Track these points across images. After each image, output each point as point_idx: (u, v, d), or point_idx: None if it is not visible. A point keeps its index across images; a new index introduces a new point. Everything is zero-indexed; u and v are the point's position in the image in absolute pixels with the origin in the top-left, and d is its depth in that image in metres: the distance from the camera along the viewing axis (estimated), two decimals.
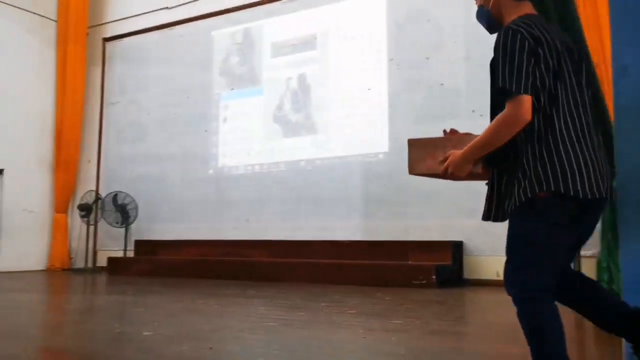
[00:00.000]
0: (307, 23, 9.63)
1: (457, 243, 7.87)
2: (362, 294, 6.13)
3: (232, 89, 10.39)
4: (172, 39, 11.14)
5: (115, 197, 10.60)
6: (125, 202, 10.55)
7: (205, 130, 10.58)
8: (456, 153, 2.02)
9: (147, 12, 11.34)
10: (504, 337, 3.13)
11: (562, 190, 1.83)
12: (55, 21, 11.90)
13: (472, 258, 7.91)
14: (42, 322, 4.39)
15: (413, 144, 2.22)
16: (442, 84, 8.48)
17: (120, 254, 10.67)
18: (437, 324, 4.01)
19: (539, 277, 1.85)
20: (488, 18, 2.15)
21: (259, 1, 10.09)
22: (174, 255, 9.96)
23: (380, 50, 9.01)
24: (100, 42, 12.01)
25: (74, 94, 11.82)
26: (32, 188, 11.36)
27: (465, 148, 1.99)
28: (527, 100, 1.85)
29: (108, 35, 11.97)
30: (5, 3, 10.98)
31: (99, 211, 10.94)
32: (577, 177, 1.83)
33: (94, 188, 11.48)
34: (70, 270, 11.22)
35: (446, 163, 2.04)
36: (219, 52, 10.61)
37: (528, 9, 2.05)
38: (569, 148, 1.86)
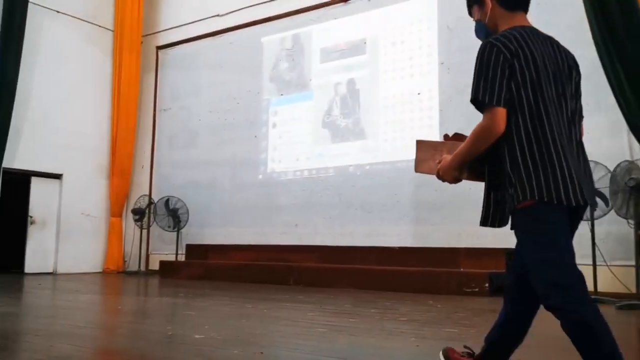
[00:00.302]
0: (356, 28, 9.60)
1: (511, 250, 7.61)
2: (413, 301, 6.02)
3: (282, 94, 10.45)
4: (223, 46, 11.32)
5: (167, 201, 10.82)
6: (177, 206, 10.75)
7: (255, 136, 10.68)
8: (447, 158, 2.13)
9: (198, 20, 11.55)
10: (565, 349, 2.98)
11: (546, 199, 1.89)
12: (112, 31, 12.27)
13: None
14: (98, 323, 4.49)
15: (420, 145, 2.38)
16: None
17: (171, 257, 10.89)
18: None
19: (569, 276, 1.87)
20: (486, 31, 2.20)
21: (308, 7, 10.13)
22: (223, 259, 10.07)
23: (431, 53, 8.88)
24: (153, 50, 12.31)
25: (128, 102, 12.16)
26: (89, 193, 11.72)
27: (452, 155, 2.10)
28: (500, 112, 1.93)
29: (161, 43, 12.27)
30: (67, 14, 11.40)
31: (152, 215, 11.19)
32: (561, 186, 1.89)
33: (147, 193, 11.76)
34: (124, 272, 11.50)
35: (438, 167, 2.18)
36: (269, 58, 10.71)
37: (520, 19, 2.12)
38: (553, 157, 1.91)
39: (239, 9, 10.94)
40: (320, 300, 6.12)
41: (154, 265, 11.15)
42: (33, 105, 10.75)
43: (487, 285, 6.96)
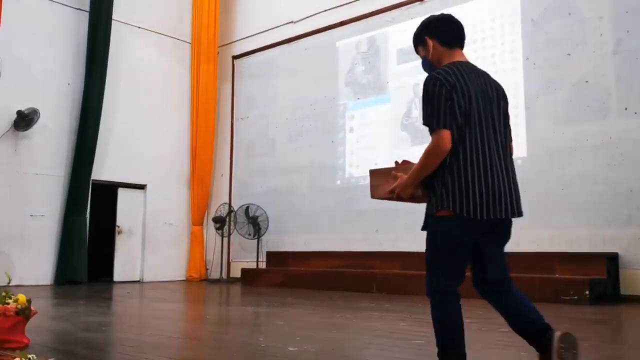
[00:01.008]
0: None
1: (611, 255, 7.10)
2: None
3: (358, 98, 10.29)
4: (298, 52, 11.30)
5: (247, 209, 10.89)
6: (257, 214, 10.79)
7: (332, 141, 10.57)
8: (403, 177, 2.46)
9: (272, 28, 11.60)
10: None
11: (458, 211, 2.25)
12: (190, 43, 12.55)
13: (630, 272, 7.09)
14: (187, 334, 4.46)
15: (373, 173, 2.82)
16: (587, 81, 7.77)
17: (252, 265, 10.93)
18: (610, 348, 3.53)
19: (444, 282, 2.37)
20: (430, 66, 2.56)
21: (383, 8, 9.93)
22: (303, 266, 9.99)
23: (515, 49, 8.46)
24: (229, 60, 12.48)
25: (207, 112, 12.38)
26: (171, 202, 11.99)
27: (408, 174, 2.42)
28: (445, 133, 2.26)
29: (237, 53, 12.41)
30: (146, 29, 11.74)
31: (232, 223, 11.30)
32: (478, 202, 2.24)
33: (226, 201, 11.89)
34: (206, 280, 11.67)
35: (393, 185, 2.49)
36: (344, 62, 10.58)
37: (458, 55, 2.50)
38: (474, 176, 2.25)
39: (313, 15, 10.89)
40: (408, 309, 5.88)
41: (235, 273, 11.24)
42: (118, 119, 11.12)
43: (587, 292, 6.49)
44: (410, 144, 9.43)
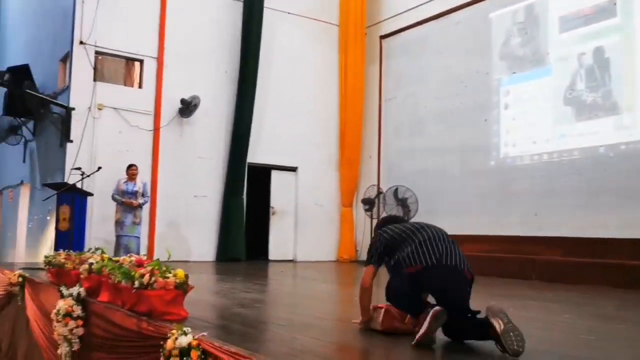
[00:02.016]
0: None
1: None
2: None
3: (514, 72, 9.60)
4: (448, 27, 10.82)
5: (395, 191, 10.72)
6: (406, 196, 10.59)
7: (485, 120, 10.01)
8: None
9: (421, 4, 11.22)
10: None
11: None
12: (337, 26, 12.60)
13: None
14: (338, 315, 4.44)
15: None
16: None
17: None
18: None
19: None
20: None
21: None
22: None
23: None
24: (377, 40, 12.33)
25: (355, 94, 12.37)
26: (321, 184, 12.21)
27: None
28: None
29: (384, 32, 12.22)
30: (295, 14, 11.98)
31: (381, 205, 11.21)
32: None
33: (375, 183, 11.83)
34: (356, 262, 11.75)
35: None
36: (498, 35, 9.92)
37: None
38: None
39: None
40: (573, 299, 5.37)
41: None
42: (271, 103, 11.53)
43: None
44: (575, 120, 8.61)
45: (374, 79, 12.44)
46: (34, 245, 10.75)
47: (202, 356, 2.67)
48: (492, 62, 10.00)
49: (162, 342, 2.81)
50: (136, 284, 3.47)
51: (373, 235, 3.48)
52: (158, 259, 3.60)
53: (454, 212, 10.20)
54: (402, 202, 10.62)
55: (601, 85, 8.33)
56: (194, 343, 2.70)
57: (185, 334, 2.75)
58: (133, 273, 3.57)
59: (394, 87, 12.02)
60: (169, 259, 3.53)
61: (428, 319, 2.72)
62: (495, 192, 9.63)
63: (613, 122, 8.14)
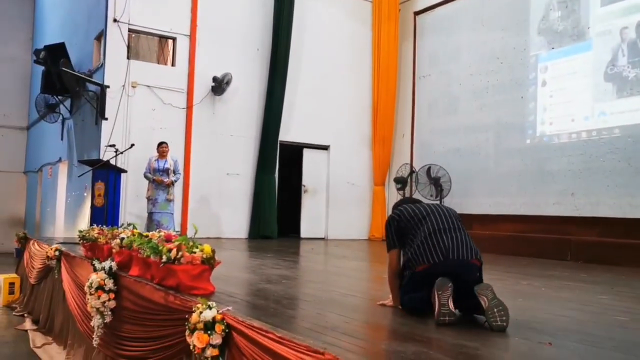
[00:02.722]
0: None
1: None
2: None
3: (553, 48, 9.31)
4: (483, 2, 10.54)
5: (428, 170, 10.59)
6: (439, 175, 10.45)
7: (522, 97, 9.76)
8: None
9: None
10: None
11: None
12: (371, 2, 12.39)
13: None
14: (365, 293, 4.42)
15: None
16: None
17: None
18: None
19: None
20: None
21: None
22: (489, 230, 9.48)
23: None
24: (411, 17, 12.10)
25: (388, 71, 12.20)
26: (354, 163, 12.15)
27: None
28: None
29: (418, 8, 11.97)
30: None
31: (414, 184, 11.10)
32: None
33: (408, 161, 11.71)
34: None
35: None
36: (537, 9, 9.61)
37: None
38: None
39: None
40: (609, 280, 5.22)
41: None
42: (302, 81, 11.47)
43: None
44: (616, 96, 8.31)
45: (407, 56, 12.23)
46: (71, 220, 11.02)
47: (226, 330, 2.69)
48: (529, 37, 9.71)
49: (187, 316, 2.83)
50: (164, 258, 3.51)
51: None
52: (185, 235, 3.62)
53: (488, 191, 10.03)
54: (435, 181, 10.49)
55: None
56: (218, 317, 2.71)
57: (210, 308, 2.76)
58: (161, 248, 3.61)
59: (428, 64, 11.80)
60: (195, 234, 3.55)
61: (434, 294, 2.77)
62: (531, 171, 9.42)
63: None
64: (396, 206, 3.46)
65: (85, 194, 10.14)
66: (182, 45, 10.43)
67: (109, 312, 4.30)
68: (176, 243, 3.56)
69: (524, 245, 8.59)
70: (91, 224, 7.47)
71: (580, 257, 7.61)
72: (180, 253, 3.44)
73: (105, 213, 7.55)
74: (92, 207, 8.01)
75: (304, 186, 11.79)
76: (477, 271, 3.03)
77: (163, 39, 10.49)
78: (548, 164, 9.20)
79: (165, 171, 8.78)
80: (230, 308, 2.78)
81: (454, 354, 2.23)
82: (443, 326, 2.67)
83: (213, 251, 3.51)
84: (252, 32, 11.06)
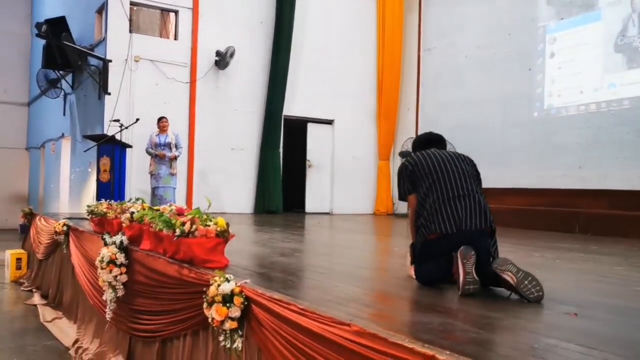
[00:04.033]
0: None
1: None
2: None
3: (562, 18, 9.16)
4: None
5: None
6: None
7: (529, 69, 9.64)
8: None
9: None
10: None
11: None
12: None
13: None
14: (373, 264, 4.40)
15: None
16: None
17: None
18: None
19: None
20: None
21: None
22: (496, 203, 9.42)
23: None
24: None
25: (393, 44, 12.04)
26: (358, 137, 12.06)
27: None
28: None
29: None
30: None
31: None
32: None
33: (413, 135, 11.61)
34: (393, 215, 11.68)
35: None
36: None
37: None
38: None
39: None
40: (621, 252, 5.20)
41: None
42: (306, 55, 11.32)
43: None
44: (626, 67, 8.20)
45: (412, 28, 12.06)
46: (76, 196, 10.99)
47: (245, 303, 2.66)
48: (538, 7, 9.56)
49: (205, 289, 2.80)
50: (177, 232, 3.47)
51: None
52: (198, 208, 3.58)
53: (495, 164, 9.96)
54: None
55: None
56: (237, 290, 2.68)
57: (228, 280, 2.73)
58: (174, 221, 3.57)
59: (434, 37, 11.65)
60: (208, 207, 3.51)
61: (459, 263, 2.70)
62: (538, 144, 9.35)
63: None
64: (412, 150, 3.40)
65: (89, 170, 10.09)
66: (185, 18, 10.27)
67: (121, 286, 4.29)
68: (189, 216, 3.53)
69: (532, 218, 8.57)
70: (98, 200, 7.44)
71: (588, 230, 7.58)
72: (194, 226, 3.41)
73: (112, 188, 7.51)
74: (98, 182, 7.98)
75: (309, 161, 11.73)
76: (489, 238, 2.99)
77: (165, 12, 10.33)
78: (556, 137, 9.13)
79: (167, 145, 8.72)
80: (248, 281, 2.75)
81: (480, 325, 2.20)
82: (467, 296, 2.63)
83: (227, 224, 3.47)
84: (255, 5, 10.89)
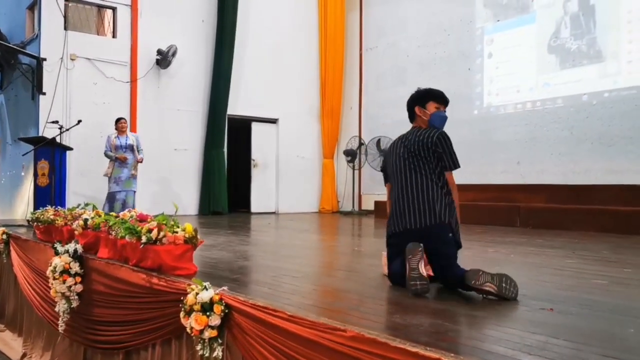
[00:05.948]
0: None
1: None
2: None
3: (498, 20, 9.51)
4: None
5: (378, 142, 10.68)
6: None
7: (469, 69, 9.95)
8: None
9: None
10: None
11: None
12: None
13: None
14: (344, 265, 4.43)
15: None
16: None
17: (383, 197, 10.80)
18: None
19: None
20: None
21: None
22: None
23: None
24: None
25: (335, 43, 12.12)
26: (303, 136, 12.08)
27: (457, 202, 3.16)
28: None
29: None
30: None
31: (363, 156, 11.17)
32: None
33: (357, 134, 11.75)
34: (339, 212, 11.77)
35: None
36: None
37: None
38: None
39: None
40: (565, 245, 5.45)
41: (366, 206, 11.22)
42: (249, 54, 11.22)
43: None
44: (559, 68, 8.60)
45: (354, 27, 12.19)
46: (8, 201, 10.44)
47: (225, 310, 2.61)
48: (475, 9, 9.87)
49: (182, 298, 2.73)
50: (143, 239, 3.36)
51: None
52: (163, 213, 3.49)
53: None
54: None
55: (586, 32, 8.31)
56: (216, 298, 2.63)
57: (207, 288, 2.67)
58: (139, 228, 3.46)
59: (375, 36, 11.81)
60: (176, 213, 3.42)
61: (405, 261, 2.72)
62: (479, 141, 9.67)
63: (597, 70, 8.16)
64: (407, 104, 3.48)
65: (22, 174, 9.60)
66: (123, 15, 9.94)
67: (76, 297, 4.12)
68: (154, 223, 3.43)
69: (475, 213, 8.81)
70: (36, 205, 7.10)
71: (529, 223, 7.91)
72: (162, 233, 3.31)
73: (52, 193, 7.17)
74: (36, 187, 7.59)
75: (254, 160, 11.64)
76: (444, 232, 2.92)
77: (102, 8, 9.96)
78: (495, 134, 9.47)
79: (129, 147, 8.42)
80: (226, 288, 2.70)
81: (468, 324, 2.26)
82: (418, 296, 2.67)
83: (195, 230, 3.40)
84: (196, 3, 10.69)
